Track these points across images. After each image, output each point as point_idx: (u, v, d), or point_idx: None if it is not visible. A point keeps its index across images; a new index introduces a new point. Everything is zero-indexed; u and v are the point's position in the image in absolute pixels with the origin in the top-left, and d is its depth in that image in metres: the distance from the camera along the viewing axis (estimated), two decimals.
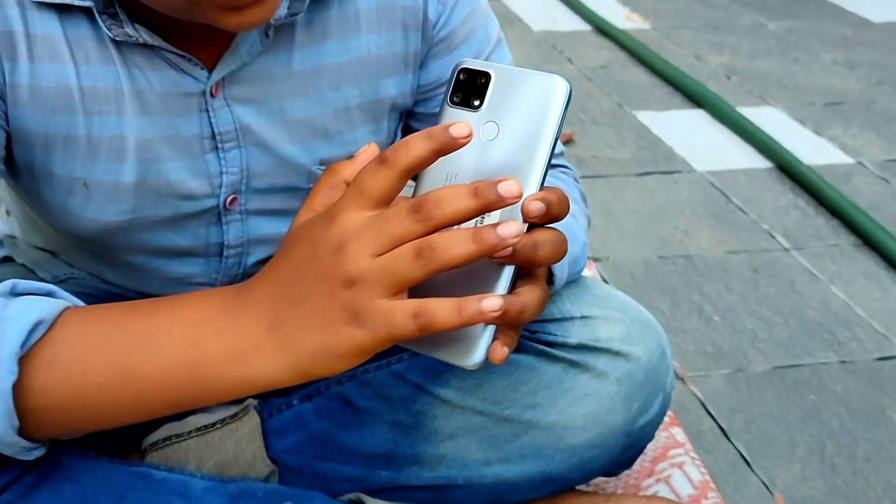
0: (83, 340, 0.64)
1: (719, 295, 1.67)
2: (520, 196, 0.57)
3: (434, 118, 0.92)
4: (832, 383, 1.45)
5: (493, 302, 0.56)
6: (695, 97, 2.55)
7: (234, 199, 0.84)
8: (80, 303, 0.69)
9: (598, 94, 2.61)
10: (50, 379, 0.63)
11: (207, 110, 0.79)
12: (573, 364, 0.91)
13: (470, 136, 0.56)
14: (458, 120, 0.57)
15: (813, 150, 2.29)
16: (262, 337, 0.60)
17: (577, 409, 0.91)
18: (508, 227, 0.56)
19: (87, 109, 0.76)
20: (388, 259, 0.56)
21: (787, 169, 2.16)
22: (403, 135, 0.95)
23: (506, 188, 0.56)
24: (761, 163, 2.22)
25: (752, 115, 2.45)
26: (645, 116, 2.47)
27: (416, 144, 0.56)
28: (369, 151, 0.67)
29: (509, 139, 0.60)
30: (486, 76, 0.61)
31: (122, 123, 0.77)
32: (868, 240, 1.86)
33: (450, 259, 0.55)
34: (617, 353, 0.92)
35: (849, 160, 2.26)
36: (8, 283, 0.65)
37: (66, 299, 0.68)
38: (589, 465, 0.93)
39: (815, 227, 1.94)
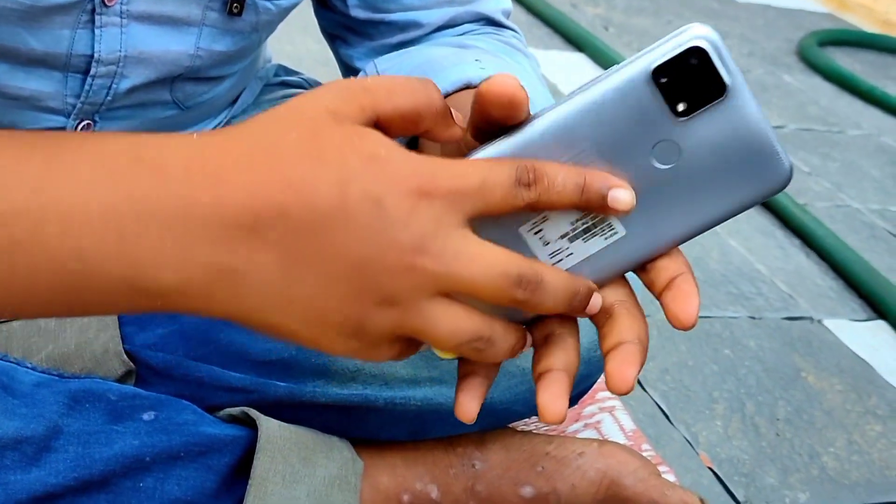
0: None
1: None
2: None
3: None
4: (745, 339, 1.31)
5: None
6: (576, 40, 2.40)
7: None
8: None
9: None
10: None
11: None
12: None
13: (628, 211, 0.42)
14: (623, 179, 0.42)
15: None
16: (203, 278, 0.39)
17: None
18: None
19: None
20: (446, 325, 0.41)
21: None
22: None
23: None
24: None
25: None
26: None
27: (566, 189, 0.42)
28: None
29: (686, 179, 0.43)
30: (721, 84, 0.42)
31: None
32: None
33: (492, 360, 0.44)
34: None
35: None
36: None
37: None
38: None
39: None
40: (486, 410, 0.72)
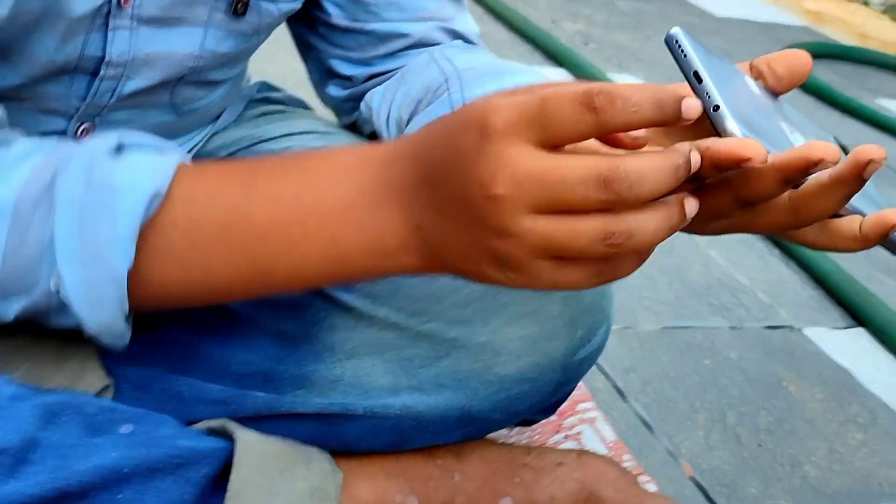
0: (198, 229, 0.53)
1: None
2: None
3: None
4: (725, 349, 1.32)
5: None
6: (556, 56, 2.41)
7: None
8: (188, 157, 0.56)
9: None
10: (166, 270, 0.54)
11: None
12: None
13: (693, 119, 0.46)
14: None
15: None
16: (408, 235, 0.50)
17: (514, 330, 0.71)
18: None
19: None
20: (563, 233, 0.45)
21: None
22: None
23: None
24: None
25: (613, 80, 2.33)
26: None
27: (641, 108, 0.44)
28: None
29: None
30: None
31: None
32: None
33: (643, 247, 0.46)
34: None
35: None
36: (112, 137, 0.54)
37: (175, 154, 0.56)
38: (516, 403, 0.74)
39: None
40: (467, 418, 0.73)
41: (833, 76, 2.84)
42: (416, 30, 0.76)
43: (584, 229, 0.45)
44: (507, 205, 0.45)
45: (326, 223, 0.51)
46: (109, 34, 0.62)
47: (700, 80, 0.48)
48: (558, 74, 2.34)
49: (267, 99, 0.92)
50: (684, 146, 0.46)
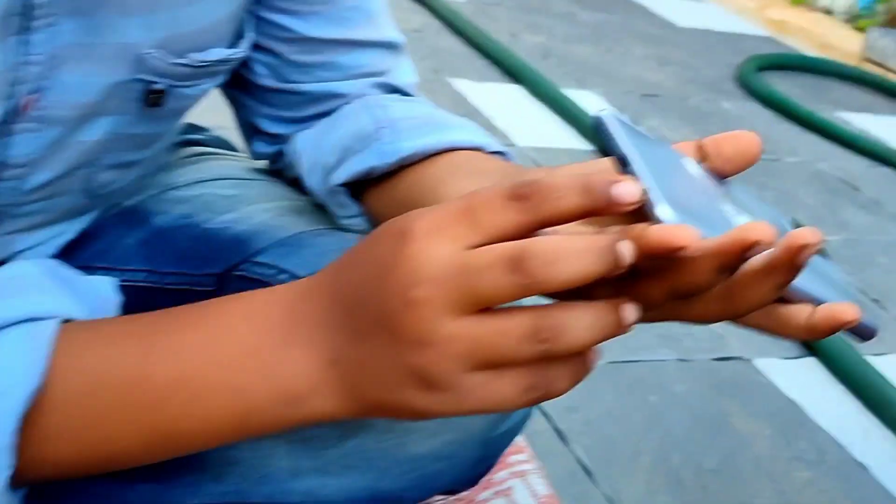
0: (94, 399, 0.49)
1: None
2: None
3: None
4: (672, 384, 1.29)
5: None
6: (513, 72, 2.39)
7: (29, 102, 0.57)
8: (73, 312, 0.50)
9: (412, 58, 2.40)
10: (62, 449, 0.50)
11: None
12: None
13: (638, 201, 0.42)
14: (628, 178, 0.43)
15: None
16: (319, 375, 0.46)
17: None
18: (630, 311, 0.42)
19: None
20: (488, 334, 0.42)
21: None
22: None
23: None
24: (583, 145, 2.08)
25: (570, 97, 2.30)
26: (461, 85, 2.27)
27: (569, 196, 0.41)
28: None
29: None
30: None
31: None
32: None
33: (575, 346, 0.42)
34: None
35: None
36: None
37: (51, 310, 0.49)
38: (430, 482, 0.70)
39: None
40: (377, 500, 0.69)
41: (794, 88, 2.83)
42: (352, 89, 0.72)
43: (509, 327, 0.41)
44: (426, 309, 0.41)
45: (229, 373, 0.47)
46: (9, 139, 0.58)
47: (626, 165, 0.45)
48: (512, 92, 2.32)
49: (188, 142, 0.88)
50: (613, 230, 0.43)
